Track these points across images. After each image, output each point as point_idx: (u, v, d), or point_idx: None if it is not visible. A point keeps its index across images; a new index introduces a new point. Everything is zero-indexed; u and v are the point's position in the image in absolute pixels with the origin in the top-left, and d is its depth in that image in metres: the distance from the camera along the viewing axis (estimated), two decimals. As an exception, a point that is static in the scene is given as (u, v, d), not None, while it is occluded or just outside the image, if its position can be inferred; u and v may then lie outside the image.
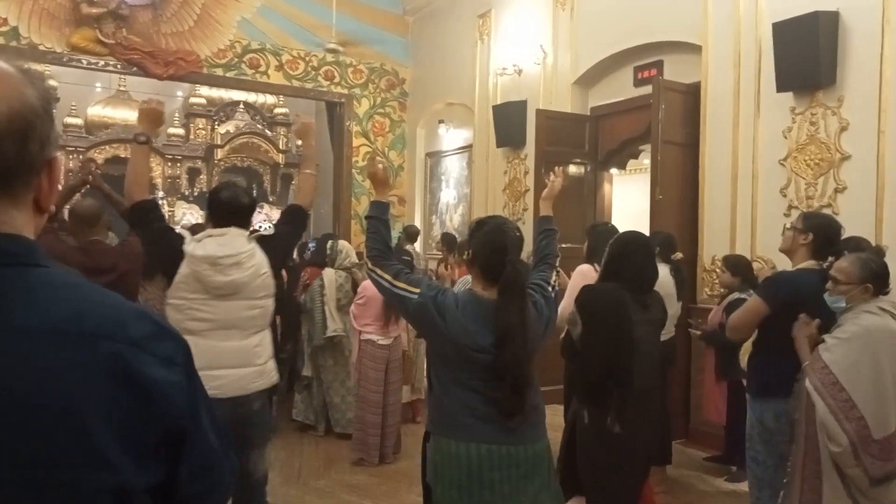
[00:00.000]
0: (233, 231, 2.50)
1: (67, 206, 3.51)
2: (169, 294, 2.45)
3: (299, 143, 10.00)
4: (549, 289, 2.17)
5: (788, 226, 2.86)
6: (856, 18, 4.11)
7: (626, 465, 2.58)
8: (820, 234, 2.71)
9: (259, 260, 2.52)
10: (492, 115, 6.92)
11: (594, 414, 2.54)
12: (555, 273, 2.25)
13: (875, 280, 2.35)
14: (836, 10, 4.16)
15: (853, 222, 3.85)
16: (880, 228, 3.94)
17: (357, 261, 5.12)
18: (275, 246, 2.65)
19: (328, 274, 5.05)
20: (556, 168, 2.65)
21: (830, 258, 2.62)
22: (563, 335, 2.83)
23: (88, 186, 3.52)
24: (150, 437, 0.75)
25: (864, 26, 4.07)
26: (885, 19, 3.96)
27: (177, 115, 10.51)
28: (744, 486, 3.85)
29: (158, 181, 10.12)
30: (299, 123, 3.03)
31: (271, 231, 2.81)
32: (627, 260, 2.69)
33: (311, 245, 6.63)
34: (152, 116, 2.58)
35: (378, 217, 2.17)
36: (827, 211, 3.95)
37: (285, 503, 3.86)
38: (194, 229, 2.87)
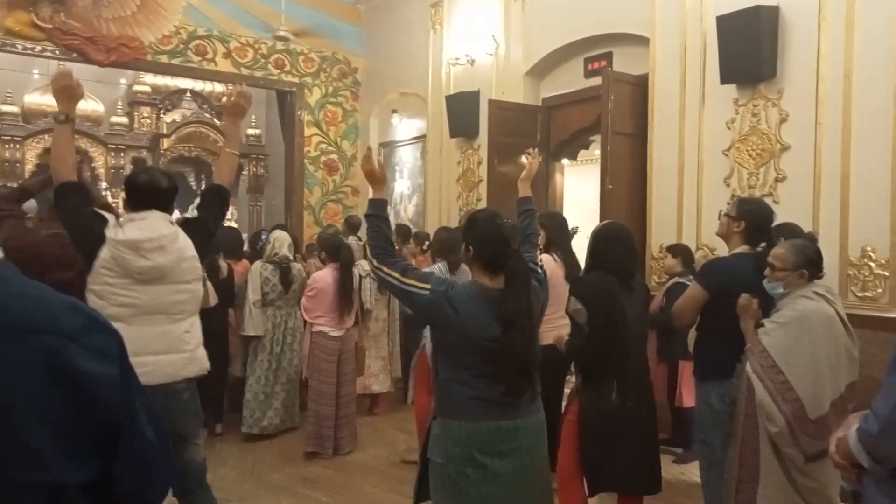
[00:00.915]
0: (154, 214, 2.44)
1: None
2: (90, 280, 2.37)
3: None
4: (539, 270, 2.28)
5: (724, 212, 2.98)
6: (795, 14, 4.25)
7: (628, 438, 2.75)
8: (751, 221, 2.85)
9: (183, 243, 2.47)
10: (445, 106, 6.92)
11: (597, 393, 2.68)
12: (538, 250, 2.39)
13: (810, 266, 2.45)
14: (776, 5, 4.30)
15: (792, 210, 4.02)
16: (817, 216, 4.10)
17: (288, 253, 4.94)
18: (198, 229, 2.59)
19: (254, 267, 4.90)
20: (532, 149, 2.77)
21: (763, 243, 2.76)
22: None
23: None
24: (84, 432, 0.73)
25: (802, 21, 4.21)
26: (822, 16, 4.10)
27: (120, 103, 10.18)
28: (691, 468, 3.99)
29: (101, 171, 9.78)
30: (232, 103, 2.82)
31: (194, 214, 2.70)
32: (612, 250, 2.84)
33: (264, 237, 6.53)
34: (68, 94, 2.48)
35: (378, 215, 2.19)
36: (767, 199, 4.09)
37: (240, 499, 3.81)
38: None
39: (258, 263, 4.92)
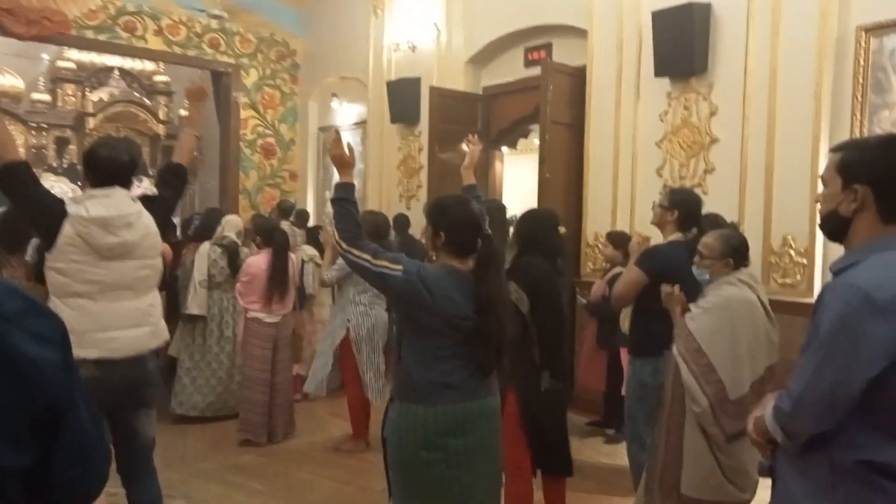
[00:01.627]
0: (118, 192, 2.45)
1: None
2: (51, 259, 2.37)
3: (184, 110, 9.42)
4: None
5: (658, 202, 3.11)
6: (725, 11, 4.40)
7: (562, 422, 2.88)
8: (683, 209, 3.03)
9: (147, 219, 2.51)
10: (386, 91, 6.86)
11: (535, 381, 2.75)
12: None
13: (735, 255, 2.55)
14: (709, 2, 4.43)
15: (720, 201, 4.17)
16: (743, 206, 4.28)
17: (235, 238, 4.90)
18: (158, 206, 2.62)
19: (201, 249, 4.87)
20: (472, 136, 2.82)
21: (694, 229, 2.90)
22: None
23: None
24: (24, 416, 0.71)
25: (732, 18, 4.36)
26: (750, 14, 4.26)
27: (42, 79, 9.65)
28: (621, 448, 4.11)
29: (22, 151, 9.27)
30: (196, 87, 2.93)
31: (153, 192, 2.76)
32: (543, 234, 2.92)
33: (196, 221, 6.34)
34: None
35: (346, 198, 2.17)
36: (696, 190, 4.23)
37: (168, 488, 3.68)
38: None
39: (206, 244, 4.88)
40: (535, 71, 5.58)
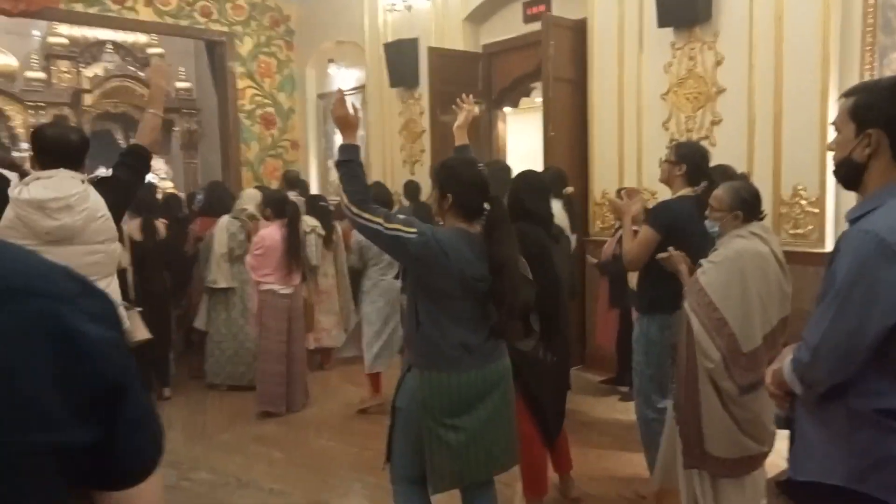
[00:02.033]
0: (62, 173, 2.36)
1: None
2: None
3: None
4: None
5: (664, 158, 3.05)
6: (729, -45, 4.27)
7: (562, 387, 2.92)
8: (691, 163, 2.94)
9: (94, 202, 2.40)
10: (384, 54, 6.74)
11: (531, 351, 2.70)
12: None
13: (744, 207, 2.52)
14: (712, -54, 4.30)
15: (728, 152, 4.12)
16: (752, 157, 4.22)
17: (253, 211, 4.93)
18: (112, 188, 2.51)
19: (220, 222, 4.96)
20: (465, 95, 2.74)
21: (704, 182, 2.86)
22: None
23: None
24: (87, 395, 0.73)
25: (736, -38, 4.24)
26: (755, -44, 4.14)
27: (35, 56, 9.51)
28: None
29: (21, 131, 9.20)
30: (153, 67, 2.85)
31: (108, 173, 2.66)
32: (530, 200, 2.85)
33: (199, 196, 6.33)
34: None
35: (353, 160, 2.11)
36: (704, 142, 4.17)
37: (190, 462, 3.76)
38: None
39: (225, 218, 4.96)
40: (535, 26, 5.46)
